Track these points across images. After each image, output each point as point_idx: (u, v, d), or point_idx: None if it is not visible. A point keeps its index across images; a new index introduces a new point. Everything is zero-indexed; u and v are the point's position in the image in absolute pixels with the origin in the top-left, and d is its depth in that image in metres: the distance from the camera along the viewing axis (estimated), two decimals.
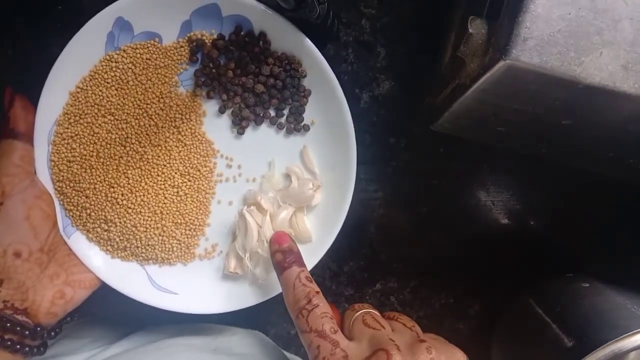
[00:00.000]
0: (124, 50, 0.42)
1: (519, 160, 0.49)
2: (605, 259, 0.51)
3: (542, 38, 0.30)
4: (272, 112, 0.45)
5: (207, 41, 0.43)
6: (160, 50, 0.43)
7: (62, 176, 0.42)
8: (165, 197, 0.44)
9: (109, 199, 0.43)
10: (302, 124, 0.44)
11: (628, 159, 0.39)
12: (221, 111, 0.44)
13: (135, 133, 0.43)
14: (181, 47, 0.43)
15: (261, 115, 0.44)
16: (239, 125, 0.44)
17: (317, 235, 0.44)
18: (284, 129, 0.45)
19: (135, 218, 0.43)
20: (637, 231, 0.50)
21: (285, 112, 0.45)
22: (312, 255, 0.43)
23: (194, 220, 0.45)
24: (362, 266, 0.52)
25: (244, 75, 0.44)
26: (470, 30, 0.34)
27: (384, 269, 0.52)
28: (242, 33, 0.43)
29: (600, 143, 0.38)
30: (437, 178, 0.50)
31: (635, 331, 0.34)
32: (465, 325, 0.53)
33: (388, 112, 0.49)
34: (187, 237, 0.45)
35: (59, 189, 0.42)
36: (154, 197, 0.43)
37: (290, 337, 0.53)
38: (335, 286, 0.52)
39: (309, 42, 0.42)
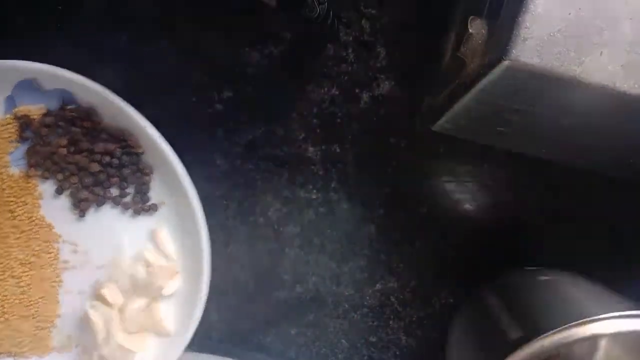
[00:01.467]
0: None
1: (519, 160, 0.49)
2: (605, 258, 0.51)
3: (542, 38, 0.30)
4: (115, 192, 0.42)
5: (34, 117, 0.40)
6: None
7: None
8: (6, 290, 0.40)
9: None
10: (149, 204, 0.42)
11: (628, 159, 0.39)
12: (58, 192, 0.41)
13: None
14: (8, 124, 0.40)
15: (102, 195, 0.41)
16: (79, 207, 0.41)
17: (177, 327, 0.41)
18: (130, 210, 0.42)
19: None
20: (638, 231, 0.50)
21: (130, 191, 0.42)
22: (171, 349, 0.40)
23: (41, 312, 0.41)
24: (362, 266, 0.52)
25: (77, 153, 0.41)
26: (470, 30, 0.34)
27: (384, 269, 0.52)
28: (68, 107, 0.40)
29: (600, 143, 0.38)
30: (437, 178, 0.50)
31: (579, 321, 0.33)
32: None
33: (388, 112, 0.49)
34: (37, 330, 0.41)
35: None
36: None
37: None
38: (336, 286, 0.52)
39: (141, 118, 0.39)
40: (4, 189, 0.40)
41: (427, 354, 0.53)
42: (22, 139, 0.41)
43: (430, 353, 0.52)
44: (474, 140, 0.46)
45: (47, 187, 0.42)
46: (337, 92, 0.49)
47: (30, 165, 0.41)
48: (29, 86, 0.40)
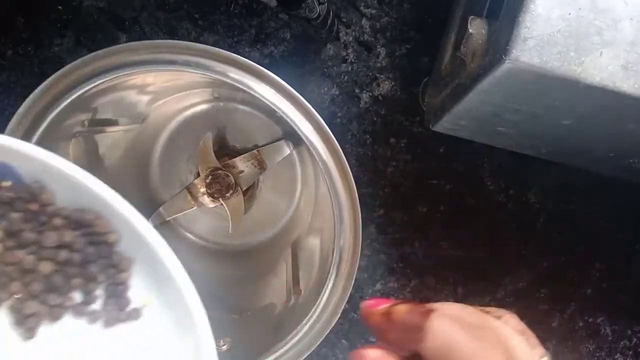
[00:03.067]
0: None
1: (519, 160, 0.49)
2: (605, 258, 0.51)
3: (542, 38, 0.30)
4: (78, 297, 0.29)
5: None
6: None
7: None
8: None
9: None
10: (128, 310, 0.29)
11: (628, 159, 0.39)
12: None
13: None
14: None
15: (58, 305, 0.29)
16: (24, 324, 0.29)
17: None
18: (102, 320, 0.29)
19: None
20: (638, 230, 0.50)
21: (100, 293, 0.29)
22: None
23: None
24: (362, 266, 0.52)
25: (19, 249, 0.28)
26: (470, 30, 0.34)
27: (384, 269, 0.52)
28: (3, 184, 0.27)
29: (600, 143, 0.38)
30: (437, 178, 0.50)
31: None
32: None
33: (388, 112, 0.49)
34: None
35: None
36: None
37: None
38: None
39: (113, 193, 0.27)
40: None
41: None
42: None
43: None
44: (474, 140, 0.46)
45: None
46: (337, 92, 0.49)
47: None
48: None
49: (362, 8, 0.48)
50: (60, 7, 0.47)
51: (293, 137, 0.44)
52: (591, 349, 0.51)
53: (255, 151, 0.45)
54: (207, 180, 0.45)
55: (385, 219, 0.51)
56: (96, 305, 0.29)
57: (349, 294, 0.37)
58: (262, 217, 0.49)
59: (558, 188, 0.50)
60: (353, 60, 0.49)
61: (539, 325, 0.52)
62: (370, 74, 0.49)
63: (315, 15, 0.39)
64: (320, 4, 0.39)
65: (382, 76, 0.49)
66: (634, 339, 0.51)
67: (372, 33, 0.48)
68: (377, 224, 0.51)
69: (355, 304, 0.52)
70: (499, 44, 0.31)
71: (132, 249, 0.29)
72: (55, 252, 0.28)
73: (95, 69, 0.35)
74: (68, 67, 0.35)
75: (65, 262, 0.28)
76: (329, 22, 0.42)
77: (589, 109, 0.33)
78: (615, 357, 0.51)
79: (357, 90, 0.49)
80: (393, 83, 0.49)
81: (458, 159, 0.50)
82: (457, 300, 0.52)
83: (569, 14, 0.30)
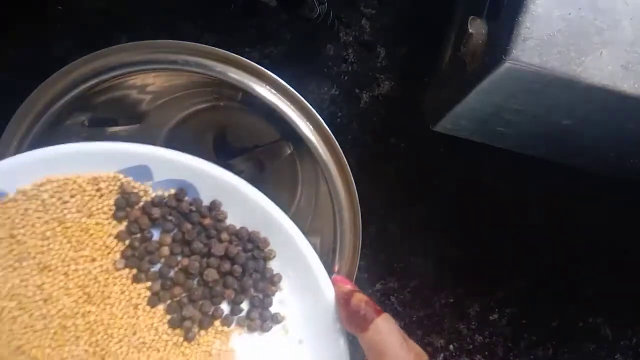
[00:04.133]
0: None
1: (519, 160, 0.49)
2: (605, 258, 0.51)
3: (542, 38, 0.30)
4: (226, 309, 0.33)
5: (140, 198, 0.32)
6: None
7: None
8: None
9: None
10: (268, 322, 0.33)
11: (628, 159, 0.39)
12: (152, 304, 0.32)
13: None
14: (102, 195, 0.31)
15: (210, 314, 0.32)
16: (180, 326, 0.32)
17: None
18: (245, 328, 0.33)
19: None
20: (638, 230, 0.50)
21: (245, 306, 0.33)
22: None
23: None
24: (362, 266, 0.52)
25: (186, 256, 0.32)
26: (470, 30, 0.34)
27: (384, 269, 0.52)
28: (185, 198, 0.32)
29: (600, 143, 0.38)
30: (437, 178, 0.50)
31: None
32: (465, 325, 0.53)
33: (388, 112, 0.49)
34: None
35: None
36: None
37: None
38: None
39: (279, 213, 0.32)
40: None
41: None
42: (115, 219, 0.32)
43: (430, 352, 0.52)
44: (474, 140, 0.46)
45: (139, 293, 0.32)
46: (337, 92, 0.49)
47: (123, 256, 0.31)
48: (138, 174, 0.32)
49: (362, 8, 0.48)
50: (60, 7, 0.47)
51: (293, 137, 0.44)
52: (591, 349, 0.51)
53: (255, 151, 0.45)
54: None
55: (385, 219, 0.51)
56: (241, 316, 0.33)
57: None
58: None
59: (558, 188, 0.50)
60: (353, 60, 0.49)
61: (539, 325, 0.52)
62: (370, 74, 0.49)
63: (315, 15, 0.39)
64: (320, 4, 0.39)
65: (382, 76, 0.49)
66: (634, 339, 0.51)
67: (372, 33, 0.48)
68: (377, 224, 0.51)
69: None
70: (499, 44, 0.31)
71: (284, 265, 0.33)
72: (220, 263, 0.32)
73: (95, 68, 0.35)
74: (68, 66, 0.35)
75: (227, 272, 0.32)
76: (329, 22, 0.42)
77: (589, 109, 0.33)
78: (615, 357, 0.51)
79: (357, 90, 0.49)
80: (393, 83, 0.49)
81: (458, 159, 0.50)
82: (457, 300, 0.52)
83: (569, 14, 0.30)
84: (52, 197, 0.30)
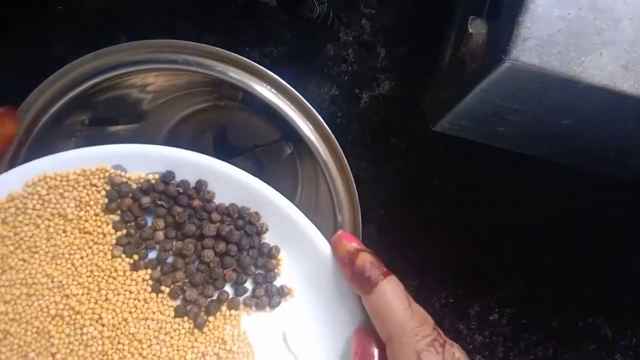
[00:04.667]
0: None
1: (519, 160, 0.49)
2: (605, 258, 0.51)
3: (542, 38, 0.30)
4: (230, 292, 0.33)
5: (130, 187, 0.32)
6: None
7: None
8: None
9: None
10: (275, 297, 0.33)
11: (628, 159, 0.39)
12: (155, 290, 0.32)
13: None
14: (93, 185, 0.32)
15: (215, 298, 0.32)
16: (186, 313, 0.32)
17: None
18: (253, 306, 0.33)
19: None
20: (638, 230, 0.50)
21: (249, 286, 0.33)
22: None
23: None
24: None
25: (179, 239, 0.32)
26: (470, 30, 0.34)
27: None
28: (172, 181, 0.32)
29: (600, 143, 0.38)
30: (437, 178, 0.50)
31: None
32: (465, 325, 0.53)
33: (388, 112, 0.49)
34: None
35: None
36: None
37: None
38: None
39: (263, 186, 0.32)
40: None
41: None
42: (107, 211, 0.32)
43: None
44: (474, 140, 0.46)
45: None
46: (337, 92, 0.49)
47: (119, 244, 0.32)
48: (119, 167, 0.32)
49: (362, 8, 0.48)
50: (60, 7, 0.47)
51: (293, 137, 0.44)
52: (591, 349, 0.51)
53: (255, 151, 0.45)
54: None
55: (385, 219, 0.51)
56: (247, 294, 0.33)
57: None
58: None
59: (558, 188, 0.50)
60: (353, 60, 0.49)
61: (539, 325, 0.52)
62: (370, 74, 0.49)
63: (315, 15, 0.39)
64: (320, 4, 0.39)
65: (382, 76, 0.49)
66: (634, 339, 0.51)
67: (372, 33, 0.48)
68: (377, 224, 0.51)
69: None
70: (499, 44, 0.31)
71: (280, 237, 0.33)
72: (215, 243, 0.32)
73: (95, 68, 0.35)
74: (68, 66, 0.35)
75: (224, 253, 0.32)
76: (329, 22, 0.42)
77: (589, 109, 0.33)
78: (615, 357, 0.51)
79: (357, 90, 0.49)
80: (393, 83, 0.49)
81: (458, 159, 0.50)
82: (458, 300, 0.52)
83: (569, 14, 0.30)
84: (48, 193, 0.32)
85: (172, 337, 0.32)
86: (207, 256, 0.32)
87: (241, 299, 0.33)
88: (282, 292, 0.33)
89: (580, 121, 0.35)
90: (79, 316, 0.31)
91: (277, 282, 0.33)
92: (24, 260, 0.31)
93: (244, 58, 0.34)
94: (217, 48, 0.34)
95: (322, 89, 0.49)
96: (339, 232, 0.32)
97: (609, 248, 0.51)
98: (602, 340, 0.51)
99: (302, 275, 0.33)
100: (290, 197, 0.48)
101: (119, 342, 0.31)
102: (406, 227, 0.51)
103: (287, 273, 0.33)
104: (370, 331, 0.30)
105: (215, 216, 0.32)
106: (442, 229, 0.51)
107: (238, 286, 0.33)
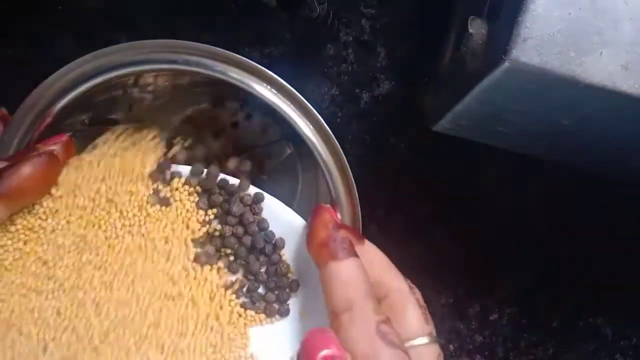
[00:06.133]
0: None
1: (519, 160, 0.49)
2: (605, 258, 0.51)
3: (542, 38, 0.30)
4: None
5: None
6: None
7: None
8: None
9: None
10: (286, 305, 0.35)
11: (628, 159, 0.39)
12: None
13: None
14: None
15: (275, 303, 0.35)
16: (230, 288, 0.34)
17: None
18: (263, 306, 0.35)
19: None
20: (638, 230, 0.50)
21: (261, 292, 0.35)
22: None
23: None
24: None
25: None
26: (470, 30, 0.34)
27: None
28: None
29: (601, 143, 0.38)
30: (437, 178, 0.50)
31: None
32: (465, 325, 0.53)
33: (388, 112, 0.49)
34: None
35: None
36: None
37: None
38: None
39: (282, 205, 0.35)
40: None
41: None
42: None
43: None
44: (474, 140, 0.46)
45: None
46: (337, 92, 0.49)
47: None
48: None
49: (362, 8, 0.48)
50: (60, 7, 0.47)
51: (293, 137, 0.44)
52: (591, 349, 0.51)
53: (254, 151, 0.45)
54: None
55: (385, 219, 0.51)
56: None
57: None
58: None
59: (558, 188, 0.50)
60: (353, 60, 0.49)
61: (539, 325, 0.52)
62: (370, 74, 0.49)
63: (315, 15, 0.39)
64: (320, 4, 0.39)
65: (382, 76, 0.49)
66: (634, 339, 0.51)
67: (372, 33, 0.48)
68: (377, 224, 0.51)
69: None
70: (499, 44, 0.31)
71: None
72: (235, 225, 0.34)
73: (95, 68, 0.35)
74: (68, 66, 0.35)
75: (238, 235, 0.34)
76: (329, 22, 0.42)
77: (589, 109, 0.33)
78: (615, 357, 0.51)
79: (357, 90, 0.49)
80: (393, 83, 0.49)
81: (458, 159, 0.50)
82: (458, 300, 0.52)
83: (569, 14, 0.30)
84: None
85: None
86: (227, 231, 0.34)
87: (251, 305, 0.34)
88: (292, 288, 0.35)
89: (580, 121, 0.35)
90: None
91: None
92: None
93: (244, 58, 0.34)
94: (217, 48, 0.34)
95: (322, 89, 0.49)
96: (317, 205, 0.34)
97: (609, 248, 0.51)
98: (602, 340, 0.51)
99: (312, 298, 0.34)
100: (290, 197, 0.48)
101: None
102: (406, 227, 0.51)
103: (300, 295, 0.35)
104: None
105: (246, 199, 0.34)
106: (442, 229, 0.51)
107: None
